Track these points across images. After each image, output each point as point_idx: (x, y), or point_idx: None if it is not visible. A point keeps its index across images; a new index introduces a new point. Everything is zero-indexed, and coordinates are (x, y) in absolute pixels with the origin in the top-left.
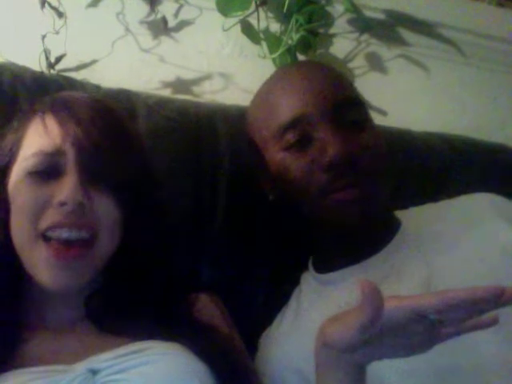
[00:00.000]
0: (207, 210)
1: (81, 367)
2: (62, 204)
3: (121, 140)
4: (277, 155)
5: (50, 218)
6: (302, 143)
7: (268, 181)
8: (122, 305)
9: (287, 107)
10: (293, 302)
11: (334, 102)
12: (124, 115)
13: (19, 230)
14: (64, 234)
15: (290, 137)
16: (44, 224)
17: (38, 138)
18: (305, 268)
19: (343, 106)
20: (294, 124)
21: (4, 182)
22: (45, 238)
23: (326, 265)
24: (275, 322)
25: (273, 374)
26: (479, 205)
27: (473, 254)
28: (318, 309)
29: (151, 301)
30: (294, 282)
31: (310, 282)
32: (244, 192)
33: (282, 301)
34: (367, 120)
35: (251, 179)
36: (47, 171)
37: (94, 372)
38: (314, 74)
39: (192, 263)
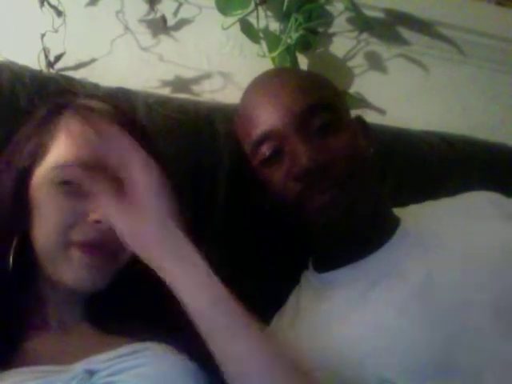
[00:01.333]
0: (206, 209)
1: (78, 368)
2: (98, 222)
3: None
4: (257, 168)
5: (85, 233)
6: (276, 157)
7: (259, 192)
8: (122, 305)
9: (257, 124)
10: (292, 301)
11: (297, 112)
12: (145, 125)
13: (47, 237)
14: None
15: (264, 151)
16: (76, 237)
17: (73, 146)
18: (305, 267)
19: (308, 114)
20: (263, 140)
21: (25, 183)
22: (75, 245)
23: (326, 264)
24: (274, 320)
25: None
26: (479, 202)
27: (472, 251)
28: (318, 307)
29: (151, 301)
30: (294, 281)
31: (310, 280)
32: (243, 191)
33: (282, 300)
34: (339, 121)
35: (250, 178)
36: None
37: (92, 373)
38: (279, 87)
39: None
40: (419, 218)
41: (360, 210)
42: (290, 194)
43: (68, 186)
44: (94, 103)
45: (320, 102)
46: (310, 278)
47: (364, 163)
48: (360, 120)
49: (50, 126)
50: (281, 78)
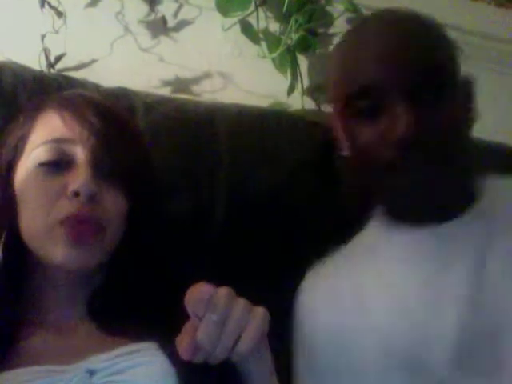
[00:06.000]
0: (206, 209)
1: (79, 367)
2: (76, 193)
3: (127, 137)
4: (346, 119)
5: (65, 208)
6: (373, 111)
7: (339, 138)
8: (123, 305)
9: (359, 74)
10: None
11: (413, 79)
12: (127, 114)
13: (32, 220)
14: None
15: (361, 104)
16: (58, 215)
17: (48, 129)
18: (304, 267)
19: (425, 76)
20: (365, 94)
21: (10, 177)
22: (60, 223)
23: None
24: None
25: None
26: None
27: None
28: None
29: (151, 301)
30: (293, 284)
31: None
32: (244, 191)
33: (280, 303)
34: (451, 90)
35: (250, 179)
36: (58, 161)
37: (92, 372)
38: (396, 39)
39: (191, 264)
40: (497, 197)
41: (441, 193)
42: (379, 157)
43: (46, 166)
44: (71, 93)
45: (441, 64)
46: (377, 227)
47: (459, 143)
48: (467, 83)
49: (31, 120)
50: (401, 23)
